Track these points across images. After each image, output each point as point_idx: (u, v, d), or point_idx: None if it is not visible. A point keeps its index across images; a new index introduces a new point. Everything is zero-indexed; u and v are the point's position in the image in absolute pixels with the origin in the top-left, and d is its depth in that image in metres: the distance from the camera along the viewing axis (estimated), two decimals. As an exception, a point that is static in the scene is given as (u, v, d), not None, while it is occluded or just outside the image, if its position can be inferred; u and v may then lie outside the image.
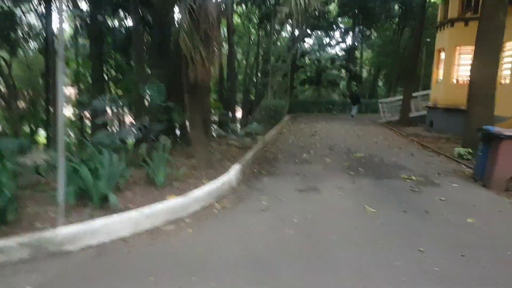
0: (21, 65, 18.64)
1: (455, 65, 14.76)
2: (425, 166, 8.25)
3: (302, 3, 7.19)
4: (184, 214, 4.65)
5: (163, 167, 5.46)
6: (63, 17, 3.72)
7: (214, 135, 12.00)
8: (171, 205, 4.56)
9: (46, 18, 15.60)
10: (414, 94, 19.42)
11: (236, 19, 27.53)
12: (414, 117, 18.88)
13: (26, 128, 20.95)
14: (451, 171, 7.81)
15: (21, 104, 17.16)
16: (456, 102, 13.32)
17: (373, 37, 32.95)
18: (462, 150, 9.08)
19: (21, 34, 15.35)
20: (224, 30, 24.44)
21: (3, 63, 15.80)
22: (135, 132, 6.93)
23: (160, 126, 7.77)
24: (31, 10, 15.41)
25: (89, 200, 4.42)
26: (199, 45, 5.48)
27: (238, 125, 18.63)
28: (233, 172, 6.25)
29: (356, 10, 27.72)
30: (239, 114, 25.80)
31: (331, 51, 35.11)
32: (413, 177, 7.05)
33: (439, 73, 16.41)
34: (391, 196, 5.87)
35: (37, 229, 3.76)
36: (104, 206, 4.36)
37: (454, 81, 14.84)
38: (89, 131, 17.92)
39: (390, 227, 4.49)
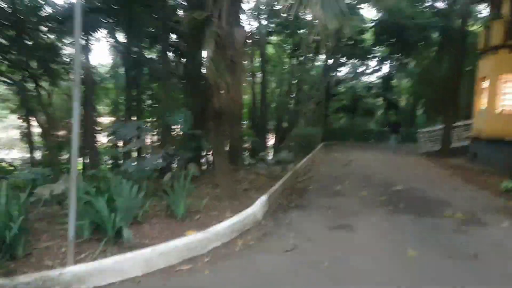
0: (62, 95, 19.28)
1: (500, 94, 13.88)
2: (470, 202, 7.54)
3: (333, 31, 6.92)
4: (203, 251, 4.31)
5: (184, 198, 5.19)
6: (79, 45, 3.62)
7: (247, 163, 11.75)
8: (189, 241, 4.23)
9: (86, 50, 16.15)
10: (455, 124, 18.48)
11: (270, 49, 27.77)
12: (455, 147, 17.88)
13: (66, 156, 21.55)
14: (500, 208, 7.06)
15: (61, 132, 17.66)
16: (502, 133, 12.50)
17: (411, 66, 32.09)
18: (510, 185, 8.33)
19: (62, 65, 15.95)
20: (258, 59, 24.64)
21: (44, 93, 16.45)
22: (160, 160, 6.78)
23: (187, 154, 7.61)
24: (71, 44, 16.02)
25: (104, 234, 4.18)
26: (224, 72, 5.28)
27: (270, 153, 18.34)
28: (258, 205, 5.88)
29: (392, 39, 27.19)
30: (271, 141, 25.57)
31: (367, 79, 34.46)
32: (458, 215, 6.40)
33: (481, 102, 15.51)
34: (434, 237, 5.27)
35: (45, 267, 3.53)
36: (118, 241, 4.10)
37: (499, 111, 13.93)
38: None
39: (434, 275, 3.92)
